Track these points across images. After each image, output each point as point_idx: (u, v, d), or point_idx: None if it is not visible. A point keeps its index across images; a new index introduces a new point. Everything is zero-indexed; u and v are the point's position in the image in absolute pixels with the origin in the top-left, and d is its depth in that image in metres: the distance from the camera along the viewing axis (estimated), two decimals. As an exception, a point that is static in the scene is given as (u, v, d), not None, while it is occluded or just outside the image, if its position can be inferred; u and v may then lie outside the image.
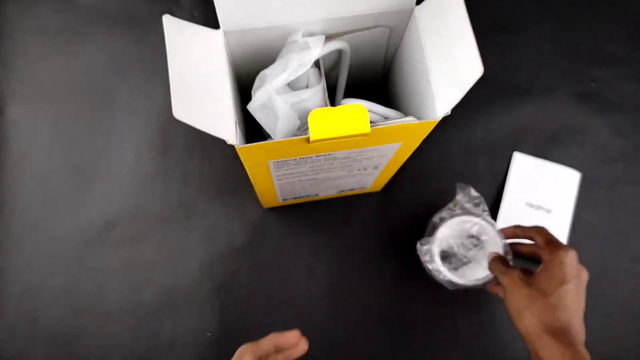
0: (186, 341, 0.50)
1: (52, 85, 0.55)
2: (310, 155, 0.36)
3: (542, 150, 0.55)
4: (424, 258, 0.47)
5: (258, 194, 0.47)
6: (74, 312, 0.50)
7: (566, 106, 0.57)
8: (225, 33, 0.35)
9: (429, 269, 0.47)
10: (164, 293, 0.51)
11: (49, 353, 0.49)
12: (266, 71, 0.36)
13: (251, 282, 0.51)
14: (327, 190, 0.50)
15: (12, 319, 0.50)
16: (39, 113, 0.55)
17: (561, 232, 0.53)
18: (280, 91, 0.37)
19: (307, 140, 0.31)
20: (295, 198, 0.51)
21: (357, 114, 0.30)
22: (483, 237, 0.49)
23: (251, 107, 0.36)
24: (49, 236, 0.52)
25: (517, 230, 0.45)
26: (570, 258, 0.40)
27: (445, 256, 0.49)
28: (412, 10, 0.37)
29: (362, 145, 0.35)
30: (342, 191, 0.51)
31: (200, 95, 0.31)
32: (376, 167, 0.44)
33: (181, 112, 0.29)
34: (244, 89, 0.41)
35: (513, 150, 0.55)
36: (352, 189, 0.51)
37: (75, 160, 0.53)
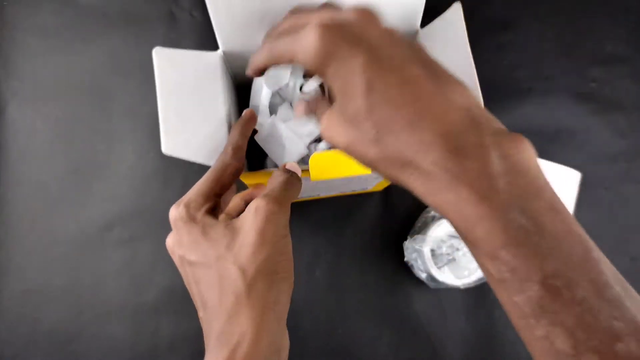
0: (186, 341, 0.50)
1: (52, 85, 0.55)
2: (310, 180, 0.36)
3: (542, 150, 0.55)
4: (411, 255, 0.48)
5: None
6: (74, 312, 0.50)
7: (566, 106, 0.57)
8: (226, 53, 0.35)
9: (411, 264, 0.48)
10: (164, 293, 0.51)
11: (49, 353, 0.49)
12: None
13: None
14: (329, 191, 0.50)
15: (12, 319, 0.50)
16: (39, 113, 0.55)
17: (561, 232, 0.53)
18: (285, 117, 0.36)
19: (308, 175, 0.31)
20: (298, 197, 0.51)
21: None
22: None
23: (259, 138, 0.36)
24: (49, 236, 0.52)
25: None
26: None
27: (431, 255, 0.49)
28: (417, 32, 0.37)
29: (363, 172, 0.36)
30: (344, 191, 0.52)
31: (194, 125, 0.30)
32: (378, 177, 0.44)
33: (171, 146, 0.28)
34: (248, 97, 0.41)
35: (513, 150, 0.55)
36: (355, 190, 0.51)
37: (75, 160, 0.53)
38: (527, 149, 0.21)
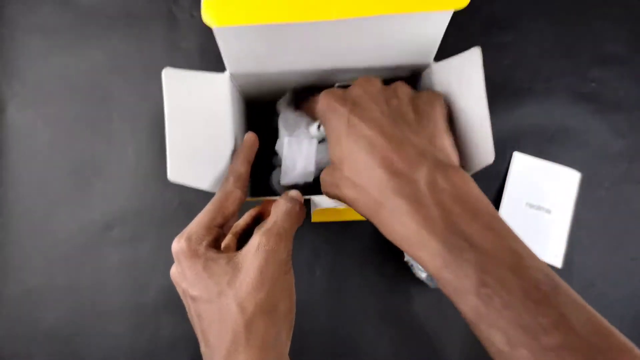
0: (186, 341, 0.50)
1: (52, 85, 0.55)
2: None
3: (542, 150, 0.55)
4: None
5: None
6: (74, 312, 0.50)
7: (566, 106, 0.57)
8: (233, 75, 0.34)
9: (411, 264, 0.48)
10: (164, 293, 0.51)
11: (49, 353, 0.49)
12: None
13: (251, 282, 0.51)
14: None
15: (12, 319, 0.50)
16: (39, 113, 0.55)
17: (561, 232, 0.53)
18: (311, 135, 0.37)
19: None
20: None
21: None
22: None
23: (279, 146, 0.37)
24: (49, 236, 0.52)
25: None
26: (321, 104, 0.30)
27: None
28: (429, 65, 0.36)
29: None
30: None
31: (201, 151, 0.30)
32: None
33: (177, 173, 0.28)
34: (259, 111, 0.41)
35: (513, 150, 0.55)
36: None
37: (75, 160, 0.53)
38: (466, 177, 0.26)
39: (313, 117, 0.36)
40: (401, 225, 0.25)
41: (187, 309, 0.30)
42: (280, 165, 0.38)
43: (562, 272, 0.52)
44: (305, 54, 0.32)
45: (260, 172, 0.39)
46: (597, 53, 0.59)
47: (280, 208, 0.31)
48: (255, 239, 0.28)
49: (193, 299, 0.28)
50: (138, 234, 0.52)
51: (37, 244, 0.52)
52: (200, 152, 0.30)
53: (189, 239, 0.29)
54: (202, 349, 0.30)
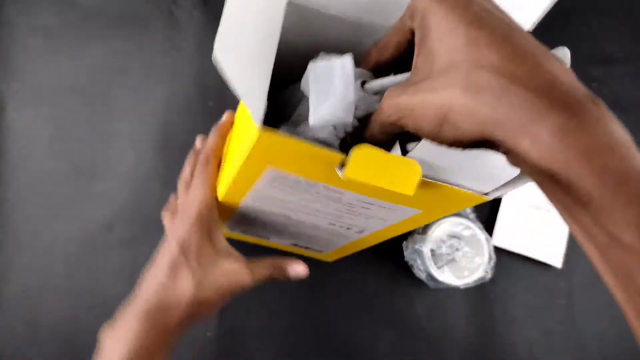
0: (186, 341, 0.50)
1: (52, 85, 0.55)
2: (319, 183, 0.30)
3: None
4: (411, 255, 0.48)
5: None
6: (74, 312, 0.50)
7: (566, 106, 0.57)
8: (290, 4, 0.28)
9: (411, 264, 0.48)
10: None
11: (49, 353, 0.49)
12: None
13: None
14: (284, 237, 0.46)
15: (13, 319, 0.50)
16: (39, 113, 0.55)
17: (561, 231, 0.53)
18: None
19: (340, 165, 0.26)
20: (244, 232, 0.47)
21: (410, 171, 0.25)
22: (470, 238, 0.49)
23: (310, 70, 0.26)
24: (49, 236, 0.52)
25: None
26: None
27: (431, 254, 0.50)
28: None
29: (381, 196, 0.30)
30: (297, 245, 0.48)
31: (245, 50, 0.25)
32: (361, 231, 0.39)
33: (223, 52, 0.24)
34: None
35: (513, 150, 0.55)
36: (309, 247, 0.48)
37: (75, 161, 0.53)
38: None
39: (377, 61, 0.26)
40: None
41: (166, 242, 0.36)
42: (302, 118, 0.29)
43: (562, 272, 0.52)
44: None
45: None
46: (597, 53, 0.59)
47: (261, 270, 0.38)
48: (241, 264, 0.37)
49: (178, 247, 0.34)
50: (138, 234, 0.52)
51: (37, 244, 0.52)
52: (245, 52, 0.26)
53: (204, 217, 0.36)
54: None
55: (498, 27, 0.19)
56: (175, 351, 0.50)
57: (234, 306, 0.51)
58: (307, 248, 0.48)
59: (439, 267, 0.48)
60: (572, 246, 0.53)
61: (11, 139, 0.54)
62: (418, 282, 0.50)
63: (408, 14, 0.21)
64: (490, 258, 0.48)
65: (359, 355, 0.50)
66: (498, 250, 0.50)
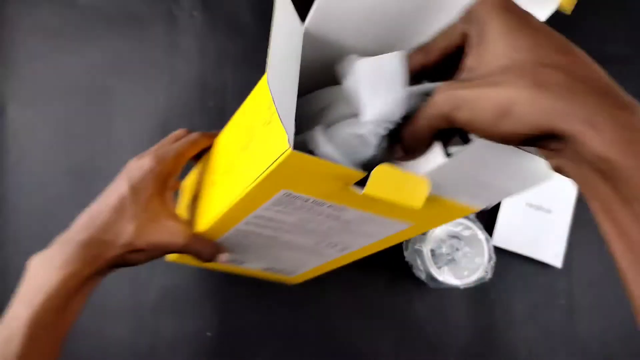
0: (186, 341, 0.50)
1: (52, 85, 0.55)
2: (327, 202, 0.30)
3: (542, 150, 0.55)
4: (411, 255, 0.48)
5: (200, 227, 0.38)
6: (74, 312, 0.50)
7: (566, 106, 0.57)
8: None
9: (411, 264, 0.48)
10: (164, 293, 0.51)
11: (49, 353, 0.49)
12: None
13: (251, 281, 0.51)
14: (261, 261, 0.44)
15: (12, 319, 0.50)
16: (39, 113, 0.55)
17: (561, 231, 0.53)
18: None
19: (357, 183, 0.27)
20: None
21: (419, 186, 0.27)
22: (470, 238, 0.49)
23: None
24: (49, 236, 0.52)
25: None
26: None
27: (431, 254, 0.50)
28: None
29: (381, 211, 0.31)
30: (270, 269, 0.47)
31: (282, 76, 0.27)
32: (344, 249, 0.40)
33: (273, 83, 0.26)
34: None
35: (513, 150, 0.55)
36: (282, 270, 0.47)
37: (75, 160, 0.53)
38: None
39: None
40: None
41: (120, 180, 0.36)
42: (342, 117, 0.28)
43: (562, 272, 0.52)
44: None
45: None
46: (597, 53, 0.58)
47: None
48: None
49: (130, 189, 0.35)
50: (138, 234, 0.52)
51: (37, 244, 0.52)
52: (282, 78, 0.28)
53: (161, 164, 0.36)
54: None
55: (554, 34, 0.22)
56: (175, 350, 0.50)
57: (234, 306, 0.51)
58: (279, 271, 0.47)
59: (438, 267, 0.48)
60: (572, 246, 0.53)
61: (11, 139, 0.54)
62: (418, 282, 0.50)
63: (464, 19, 0.23)
64: (490, 258, 0.48)
65: (358, 355, 0.50)
66: (498, 250, 0.50)
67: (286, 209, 0.32)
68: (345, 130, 0.27)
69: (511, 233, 0.53)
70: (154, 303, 0.50)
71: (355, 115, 0.27)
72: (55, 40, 0.56)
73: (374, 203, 0.29)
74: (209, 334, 0.50)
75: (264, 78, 0.33)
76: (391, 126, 0.26)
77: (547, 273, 0.52)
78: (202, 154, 0.41)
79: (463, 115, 0.21)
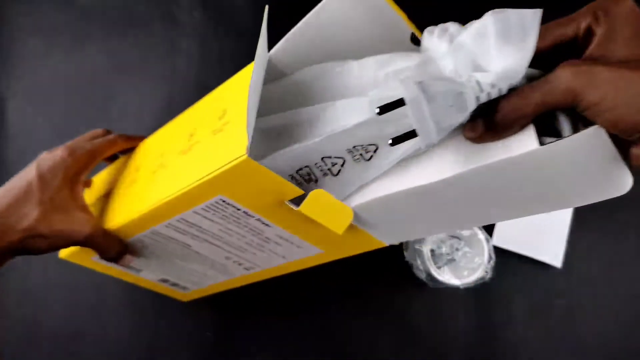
0: (186, 341, 0.50)
1: (52, 84, 0.55)
2: (256, 215, 0.31)
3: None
4: (411, 255, 0.49)
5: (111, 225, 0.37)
6: (74, 312, 0.50)
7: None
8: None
9: (411, 264, 0.48)
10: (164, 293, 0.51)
11: (49, 353, 0.49)
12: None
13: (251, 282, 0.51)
14: (159, 272, 0.43)
15: (12, 319, 0.50)
16: (38, 113, 0.55)
17: (561, 231, 0.53)
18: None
19: (292, 200, 0.28)
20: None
21: (344, 214, 0.29)
22: (470, 238, 0.49)
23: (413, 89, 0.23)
24: (49, 236, 0.52)
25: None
26: None
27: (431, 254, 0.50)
28: None
29: (302, 233, 0.33)
30: (166, 282, 0.45)
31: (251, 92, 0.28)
32: (250, 268, 0.40)
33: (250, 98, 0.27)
34: None
35: (513, 150, 0.55)
36: (177, 285, 0.46)
37: (75, 160, 0.53)
38: None
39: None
40: None
41: (30, 168, 0.36)
42: None
43: (562, 272, 0.52)
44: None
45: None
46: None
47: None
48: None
49: (38, 177, 0.35)
50: (138, 234, 0.52)
51: (37, 244, 0.52)
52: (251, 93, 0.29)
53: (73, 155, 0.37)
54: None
55: None
56: (175, 350, 0.50)
57: (234, 306, 0.51)
58: (174, 285, 0.46)
59: (438, 267, 0.48)
60: (572, 246, 0.53)
61: (11, 139, 0.54)
62: (418, 282, 0.50)
63: (589, 14, 0.24)
64: (490, 258, 0.48)
65: (358, 355, 0.50)
66: (498, 250, 0.50)
67: (214, 216, 0.32)
68: (444, 87, 0.24)
69: (511, 233, 0.52)
70: (154, 303, 0.50)
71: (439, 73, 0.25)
72: (55, 40, 0.56)
73: (299, 223, 0.30)
74: (209, 334, 0.50)
75: (213, 93, 0.35)
76: (504, 89, 0.24)
77: (547, 273, 0.52)
78: (116, 157, 0.42)
79: (596, 95, 0.21)
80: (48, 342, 0.50)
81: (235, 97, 0.31)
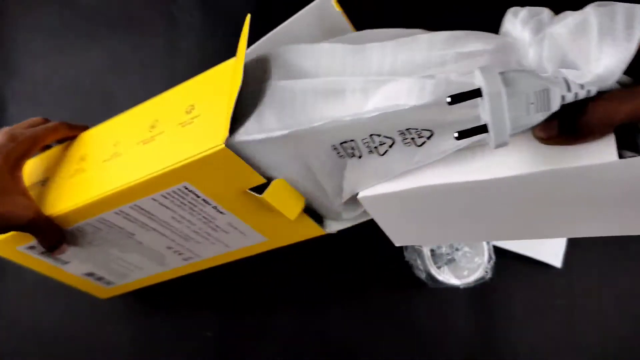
0: (186, 341, 0.50)
1: (52, 85, 0.55)
2: (213, 202, 0.32)
3: (542, 150, 0.55)
4: (411, 255, 0.48)
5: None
6: (73, 312, 0.50)
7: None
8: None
9: (411, 264, 0.48)
10: (164, 293, 0.51)
11: (49, 353, 0.49)
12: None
13: (251, 281, 0.51)
14: (89, 264, 0.42)
15: (12, 319, 0.50)
16: (39, 113, 0.54)
17: (561, 232, 0.53)
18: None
19: (259, 190, 0.30)
20: (43, 253, 0.40)
21: (298, 201, 0.31)
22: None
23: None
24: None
25: None
26: None
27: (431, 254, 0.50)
28: None
29: (253, 221, 0.35)
30: (91, 276, 0.44)
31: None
32: (189, 258, 0.41)
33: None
34: None
35: (513, 150, 0.55)
36: (103, 279, 0.45)
37: (75, 160, 0.54)
38: None
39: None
40: None
41: None
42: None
43: (562, 272, 0.52)
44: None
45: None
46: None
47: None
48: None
49: None
50: (138, 233, 0.52)
51: (37, 244, 0.52)
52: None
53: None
54: None
55: None
56: (175, 350, 0.50)
57: (234, 306, 0.51)
58: (99, 279, 0.45)
59: (438, 267, 0.48)
60: (572, 246, 0.52)
61: (11, 139, 0.54)
62: (418, 282, 0.50)
63: None
64: (490, 258, 0.48)
65: (358, 355, 0.50)
66: (498, 250, 0.50)
67: (171, 203, 0.33)
68: (528, 82, 0.21)
69: (511, 233, 0.53)
70: (154, 303, 0.50)
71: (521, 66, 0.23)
72: (55, 41, 0.56)
73: (253, 211, 0.33)
74: (209, 334, 0.50)
75: (171, 90, 0.37)
76: (593, 91, 0.21)
77: (547, 273, 0.52)
78: (49, 146, 0.42)
79: None
80: (47, 342, 0.50)
81: (205, 94, 0.33)
